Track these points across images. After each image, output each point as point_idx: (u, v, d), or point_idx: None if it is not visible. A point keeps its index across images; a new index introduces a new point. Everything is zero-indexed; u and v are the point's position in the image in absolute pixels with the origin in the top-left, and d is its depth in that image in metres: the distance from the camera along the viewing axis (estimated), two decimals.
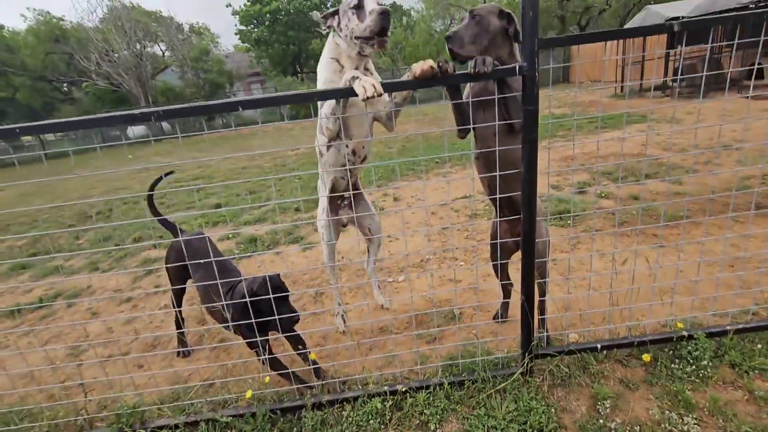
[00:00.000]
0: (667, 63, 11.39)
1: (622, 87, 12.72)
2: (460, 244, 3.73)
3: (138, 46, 24.80)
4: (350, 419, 1.86)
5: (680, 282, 2.52)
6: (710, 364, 1.88)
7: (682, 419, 1.65)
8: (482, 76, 1.53)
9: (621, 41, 11.80)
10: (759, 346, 1.94)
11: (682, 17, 9.83)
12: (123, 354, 2.74)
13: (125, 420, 1.95)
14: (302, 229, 4.61)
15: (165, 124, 21.95)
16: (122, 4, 23.34)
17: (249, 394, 1.94)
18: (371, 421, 1.84)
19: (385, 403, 1.89)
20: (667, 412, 1.70)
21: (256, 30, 30.43)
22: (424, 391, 1.93)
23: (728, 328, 1.97)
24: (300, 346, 2.15)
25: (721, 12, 9.39)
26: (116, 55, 22.48)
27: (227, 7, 31.13)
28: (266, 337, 1.98)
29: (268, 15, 29.98)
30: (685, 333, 1.96)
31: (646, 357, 1.94)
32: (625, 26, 15.06)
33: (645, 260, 2.59)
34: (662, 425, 1.65)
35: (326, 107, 1.91)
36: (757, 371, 1.83)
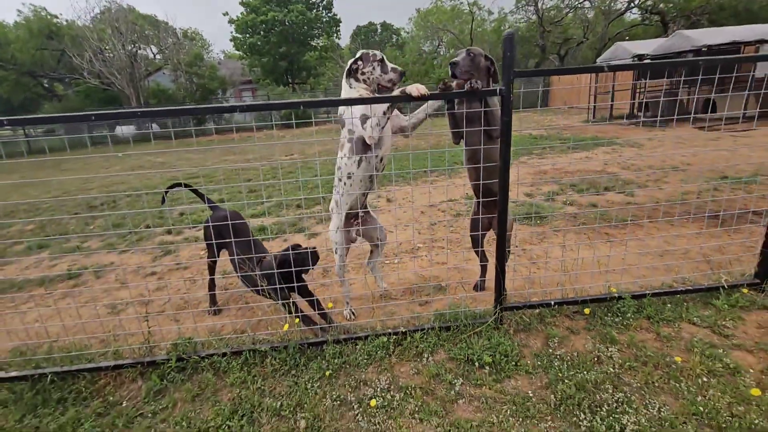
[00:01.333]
0: (634, 95, 12.53)
1: (594, 114, 13.83)
2: (446, 235, 4.35)
3: (130, 48, 25.02)
4: (362, 350, 2.41)
5: (621, 266, 3.19)
6: (632, 316, 2.52)
7: (608, 349, 2.28)
8: (475, 92, 2.17)
9: (593, 74, 12.93)
10: (668, 305, 2.60)
11: (647, 55, 10.97)
12: (159, 312, 3.20)
13: (181, 349, 2.45)
14: (306, 221, 5.15)
15: (155, 126, 22.08)
16: (120, 6, 23.59)
17: (286, 327, 2.47)
18: (379, 352, 2.39)
19: (389, 340, 2.45)
20: (598, 345, 2.32)
21: (250, 39, 31.02)
22: (419, 332, 2.50)
23: (646, 292, 2.62)
24: (316, 307, 2.70)
25: (678, 53, 10.55)
26: (111, 54, 22.63)
27: (224, 15, 31.64)
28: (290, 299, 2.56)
29: (263, 25, 30.67)
30: (616, 295, 2.61)
31: (587, 310, 2.57)
32: (598, 60, 16.35)
33: (593, 251, 3.26)
34: (593, 353, 2.26)
35: (374, 119, 2.35)
36: (664, 321, 2.48)
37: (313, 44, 33.73)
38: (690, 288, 2.68)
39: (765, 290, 2.67)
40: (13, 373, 2.33)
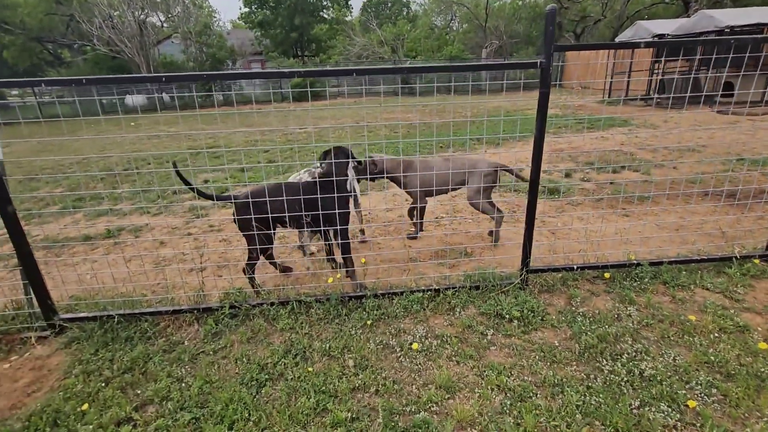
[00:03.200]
0: (651, 75, 12.37)
1: (609, 94, 13.69)
2: (468, 207, 4.51)
3: (138, 13, 24.66)
4: (398, 304, 2.62)
5: (639, 237, 3.36)
6: (650, 281, 2.71)
7: (627, 308, 2.47)
8: (510, 65, 2.28)
9: (611, 52, 12.73)
10: (683, 273, 2.78)
11: (667, 34, 10.79)
12: (200, 269, 3.42)
13: (233, 297, 2.67)
14: None
15: (165, 96, 22.03)
16: None
17: (330, 279, 2.68)
18: (414, 306, 2.60)
19: (423, 295, 2.66)
20: (617, 304, 2.52)
21: (260, 13, 30.41)
22: (451, 290, 2.70)
23: (663, 260, 2.80)
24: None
25: (700, 34, 10.37)
26: (121, 21, 22.34)
27: None
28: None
29: None
30: (635, 262, 2.79)
31: (607, 275, 2.76)
32: (617, 38, 16.02)
33: (611, 223, 3.42)
34: (613, 311, 2.46)
35: None
36: (679, 286, 2.67)
37: (324, 16, 33.03)
38: (704, 258, 2.85)
39: None
40: (84, 314, 2.57)
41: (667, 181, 4.72)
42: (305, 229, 3.01)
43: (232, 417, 1.85)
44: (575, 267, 2.78)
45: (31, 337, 2.51)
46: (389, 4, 42.21)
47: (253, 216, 2.61)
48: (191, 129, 12.77)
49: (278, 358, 2.22)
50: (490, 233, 3.59)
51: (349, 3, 35.00)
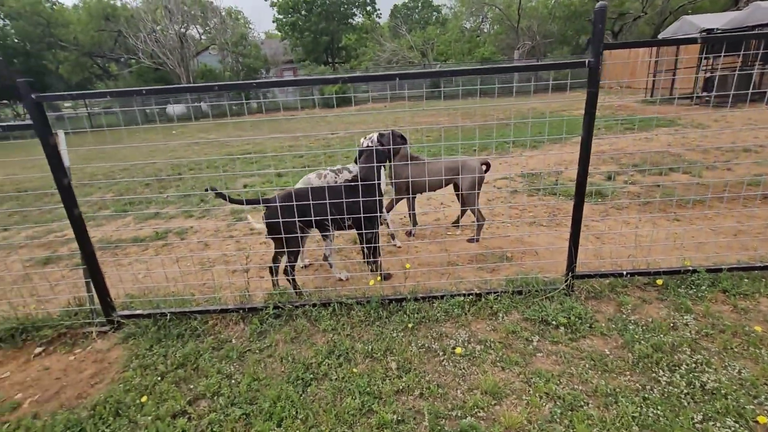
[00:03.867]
0: (698, 73, 11.73)
1: (652, 93, 13.10)
2: (505, 211, 4.43)
3: (179, 27, 25.92)
4: (439, 308, 2.60)
5: (691, 242, 3.18)
6: (707, 289, 2.56)
7: (683, 317, 2.35)
8: (557, 65, 2.23)
9: (653, 49, 12.19)
10: (746, 280, 2.61)
11: (716, 29, 10.23)
12: (245, 270, 3.53)
13: (276, 298, 2.74)
14: None
15: (204, 105, 23.00)
16: None
17: (372, 282, 2.71)
18: (455, 310, 2.58)
19: (464, 300, 2.63)
20: (672, 313, 2.40)
21: (292, 18, 31.30)
22: (492, 294, 2.66)
23: (722, 267, 2.64)
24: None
25: (752, 27, 9.75)
26: (163, 34, 23.57)
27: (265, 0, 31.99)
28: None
29: (304, 4, 30.81)
30: (690, 268, 2.65)
31: (659, 281, 2.63)
32: (660, 35, 15.35)
33: (661, 228, 3.26)
34: (667, 320, 2.34)
35: None
36: (741, 295, 2.50)
37: (353, 23, 33.52)
38: None
39: None
40: (139, 311, 2.71)
41: (723, 184, 4.45)
42: (329, 232, 3.04)
43: (280, 414, 1.89)
44: (625, 273, 2.66)
45: (92, 332, 2.67)
46: (418, 9, 42.31)
47: (296, 219, 2.67)
48: (228, 136, 13.26)
49: (322, 358, 2.25)
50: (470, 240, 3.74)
51: (378, 10, 35.29)
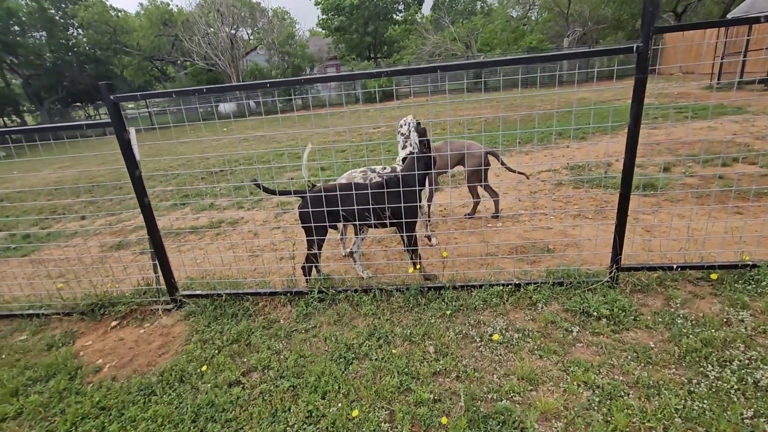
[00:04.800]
0: None
1: (718, 79, 12.08)
2: (548, 204, 4.34)
3: (229, 29, 27.20)
4: (477, 296, 2.64)
5: (753, 235, 2.98)
6: None
7: (738, 313, 2.23)
8: (601, 51, 2.18)
9: (720, 31, 11.21)
10: None
11: None
12: (292, 257, 3.74)
13: (321, 283, 2.90)
14: None
15: (252, 103, 24.02)
16: None
17: (411, 269, 2.80)
18: (493, 299, 2.60)
19: (503, 289, 2.65)
20: (727, 308, 2.28)
21: (337, 20, 31.78)
22: (532, 285, 2.65)
23: None
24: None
25: None
26: (215, 36, 24.84)
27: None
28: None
29: (347, 6, 31.19)
30: (750, 262, 2.49)
31: (714, 276, 2.50)
32: (729, 14, 14.07)
33: (719, 221, 3.07)
34: (721, 315, 2.23)
35: None
36: None
37: (396, 18, 33.46)
38: None
39: None
40: (198, 292, 2.98)
41: None
42: (361, 235, 3.13)
43: (324, 388, 2.03)
44: (675, 266, 2.56)
45: (158, 309, 2.97)
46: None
47: (340, 207, 2.80)
48: (274, 131, 13.80)
49: (363, 339, 2.37)
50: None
51: (422, 2, 34.94)
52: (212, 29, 25.49)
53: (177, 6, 28.45)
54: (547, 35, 27.50)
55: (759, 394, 1.73)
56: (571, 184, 4.85)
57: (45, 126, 3.27)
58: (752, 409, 1.66)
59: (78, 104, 33.82)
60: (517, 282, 2.67)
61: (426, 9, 36.88)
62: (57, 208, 6.64)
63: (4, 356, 2.68)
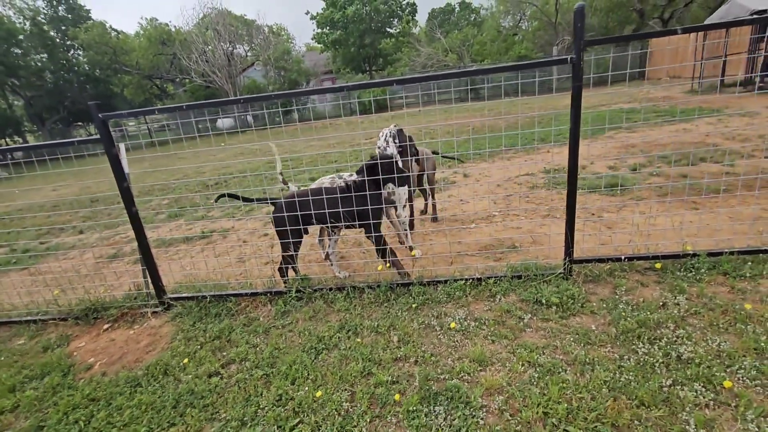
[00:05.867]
0: (752, 57, 10.96)
1: (700, 83, 12.39)
2: (521, 205, 4.56)
3: (226, 46, 27.82)
4: (442, 291, 2.84)
5: (700, 228, 3.18)
6: (706, 272, 2.60)
7: (675, 297, 2.43)
8: (540, 63, 2.42)
9: (701, 34, 11.53)
10: (749, 264, 2.62)
11: None
12: (274, 262, 3.94)
13: (298, 283, 3.10)
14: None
15: (249, 117, 24.46)
16: (219, 10, 26.25)
17: (381, 267, 3.00)
18: (457, 293, 2.80)
19: (466, 283, 2.85)
20: (666, 294, 2.48)
21: (332, 34, 32.46)
22: (493, 279, 2.85)
23: (724, 250, 2.66)
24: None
25: None
26: (213, 54, 25.40)
27: (306, 14, 33.41)
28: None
29: (343, 19, 31.88)
30: (691, 252, 2.69)
31: (658, 265, 2.70)
32: (707, 20, 14.44)
33: (671, 216, 3.28)
34: (659, 300, 2.43)
35: None
36: (742, 277, 2.52)
37: (390, 31, 34.15)
38: None
39: None
40: (184, 294, 3.18)
41: (753, 173, 4.30)
42: (334, 237, 3.35)
43: (294, 375, 2.22)
44: (623, 258, 2.76)
45: (147, 312, 3.17)
46: (456, 11, 42.21)
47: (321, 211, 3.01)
48: (267, 145, 14.11)
49: (334, 332, 2.57)
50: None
51: (415, 16, 35.69)
52: (209, 47, 26.10)
53: (175, 26, 29.04)
54: (537, 44, 28.06)
55: (680, 365, 1.92)
56: (545, 187, 5.07)
57: (38, 144, 3.53)
58: (671, 379, 1.85)
59: (79, 123, 34.42)
60: (479, 276, 2.87)
61: (421, 20, 37.64)
62: (56, 224, 6.87)
63: (2, 358, 2.88)
